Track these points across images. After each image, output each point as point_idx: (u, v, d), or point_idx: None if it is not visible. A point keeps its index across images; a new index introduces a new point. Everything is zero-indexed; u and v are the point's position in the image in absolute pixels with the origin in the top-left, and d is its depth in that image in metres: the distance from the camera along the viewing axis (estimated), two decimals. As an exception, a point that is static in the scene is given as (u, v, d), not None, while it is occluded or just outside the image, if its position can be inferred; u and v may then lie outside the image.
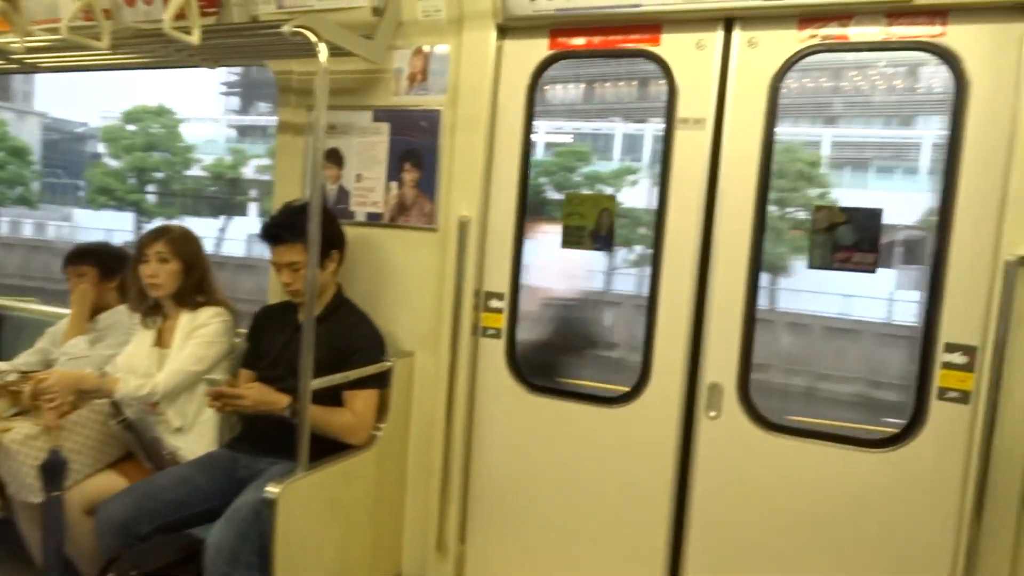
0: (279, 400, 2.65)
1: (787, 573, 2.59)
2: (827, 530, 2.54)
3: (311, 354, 2.45)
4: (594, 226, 2.88)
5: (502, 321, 2.96)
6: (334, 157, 3.19)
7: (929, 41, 2.39)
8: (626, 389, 2.82)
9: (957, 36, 2.37)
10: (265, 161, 24.66)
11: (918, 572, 2.43)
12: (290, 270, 2.82)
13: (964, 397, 2.37)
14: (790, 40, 2.54)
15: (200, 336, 3.03)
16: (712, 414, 2.68)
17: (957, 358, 2.38)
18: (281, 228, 2.83)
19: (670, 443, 2.75)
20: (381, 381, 2.87)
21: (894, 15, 2.42)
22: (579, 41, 2.83)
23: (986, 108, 2.33)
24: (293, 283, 2.83)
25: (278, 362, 2.85)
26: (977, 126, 2.34)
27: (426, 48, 3.00)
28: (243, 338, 3.10)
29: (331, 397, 2.69)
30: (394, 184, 3.07)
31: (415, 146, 3.01)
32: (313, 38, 2.43)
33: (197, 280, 3.10)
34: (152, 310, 3.16)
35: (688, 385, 2.73)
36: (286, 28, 2.41)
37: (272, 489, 2.43)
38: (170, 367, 2.97)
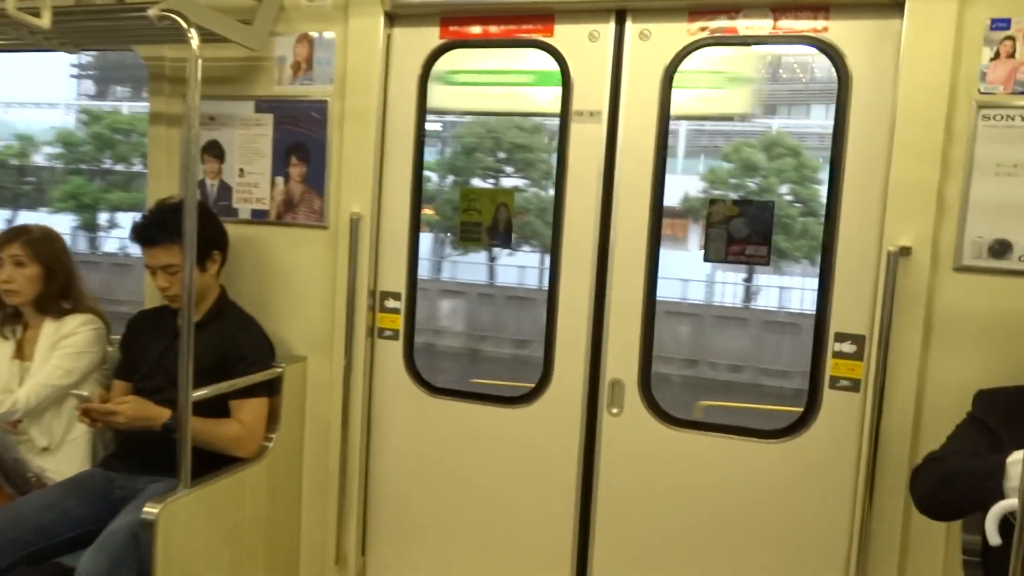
0: (158, 414, 2.57)
1: (693, 568, 2.67)
2: (731, 521, 2.64)
3: (191, 362, 2.34)
4: (491, 222, 2.91)
5: (399, 322, 2.97)
6: (214, 150, 3.11)
7: (813, 36, 2.52)
8: (529, 387, 2.82)
9: (839, 31, 2.50)
10: (55, 148, 22.43)
11: (817, 557, 2.53)
12: (166, 273, 2.73)
13: (855, 385, 2.50)
14: (680, 33, 2.63)
15: (67, 346, 2.86)
16: (614, 411, 2.73)
17: (847, 347, 2.49)
18: (153, 228, 2.71)
19: (573, 442, 2.81)
20: (271, 388, 2.83)
21: (779, 10, 2.54)
22: (472, 30, 2.85)
23: (867, 101, 2.47)
24: (170, 287, 2.73)
25: (156, 372, 2.77)
26: (859, 119, 2.48)
27: (311, 35, 2.95)
28: (116, 347, 2.98)
29: (216, 408, 2.64)
30: (280, 179, 3.03)
31: (301, 139, 2.97)
32: (183, 23, 2.30)
33: (61, 285, 2.92)
34: (10, 319, 2.95)
35: (590, 382, 2.80)
36: (152, 12, 2.30)
37: (150, 509, 2.32)
38: (33, 381, 2.80)
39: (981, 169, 2.35)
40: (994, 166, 2.34)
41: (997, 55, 2.33)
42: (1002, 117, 2.33)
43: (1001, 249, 2.34)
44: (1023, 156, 2.31)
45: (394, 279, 2.97)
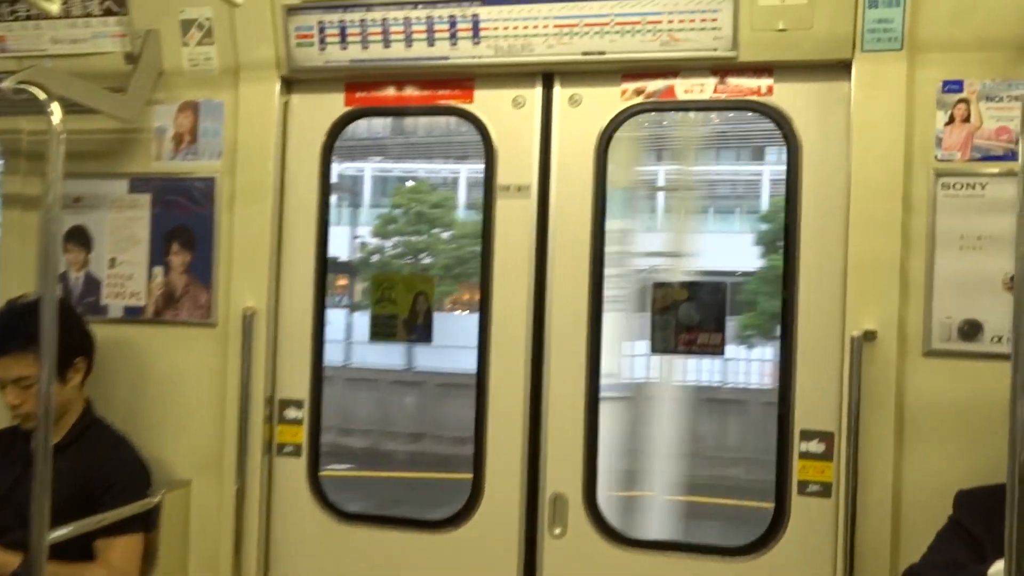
0: (3, 562, 2.38)
1: None
2: None
3: (47, 495, 2.08)
4: (408, 314, 2.82)
5: (301, 435, 2.81)
6: (79, 238, 2.97)
7: (756, 100, 2.54)
8: (456, 509, 2.66)
9: (784, 94, 2.52)
10: None
11: None
12: (17, 388, 2.59)
13: (825, 490, 2.44)
14: (614, 97, 2.63)
15: None
16: (557, 531, 2.58)
17: (814, 446, 2.44)
18: (1, 334, 2.48)
19: (510, 571, 2.64)
20: (146, 523, 2.65)
21: (720, 71, 2.55)
22: (381, 95, 2.82)
23: (819, 170, 2.48)
24: (22, 404, 2.59)
25: (4, 508, 2.58)
26: (812, 189, 2.48)
27: (196, 102, 2.88)
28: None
29: (79, 549, 2.47)
30: (159, 269, 2.91)
31: (185, 222, 2.88)
32: (42, 95, 2.14)
33: None
34: None
35: (528, 498, 2.65)
36: (7, 84, 2.21)
37: None
38: None
39: (944, 242, 2.36)
40: (958, 239, 2.35)
41: (952, 119, 2.36)
42: (962, 186, 2.35)
43: (971, 330, 2.33)
44: (987, 227, 2.33)
45: (295, 384, 2.82)
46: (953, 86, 2.35)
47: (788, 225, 2.49)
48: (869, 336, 2.31)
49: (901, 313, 2.33)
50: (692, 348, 2.54)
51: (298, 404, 2.81)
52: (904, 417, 2.33)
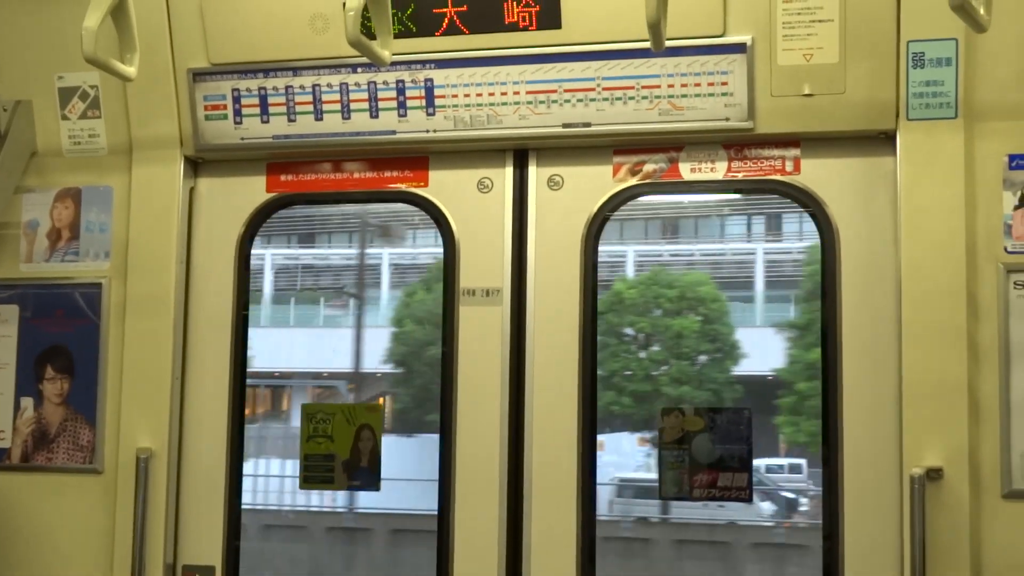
0: None
1: None
2: None
3: None
4: (349, 454, 2.78)
5: None
6: None
7: (780, 180, 2.56)
8: None
9: (814, 173, 2.54)
10: None
11: None
12: None
13: None
14: (604, 178, 2.65)
15: None
16: None
17: None
18: None
19: None
20: None
21: (734, 145, 2.59)
22: (312, 179, 2.84)
23: (861, 267, 2.49)
24: None
25: None
26: (853, 290, 2.49)
27: (77, 190, 2.89)
28: None
29: None
30: (29, 401, 2.88)
31: (62, 341, 2.86)
32: None
33: None
34: None
35: None
36: None
37: None
38: None
39: (1021, 355, 2.35)
40: None
41: (1022, 202, 2.38)
42: None
43: (1061, 465, 2.33)
44: (1072, 334, 2.35)
45: (205, 546, 2.77)
46: (1022, 161, 2.37)
47: (826, 334, 2.50)
48: (933, 475, 2.30)
49: (972, 445, 2.32)
50: (712, 492, 2.53)
51: (208, 572, 2.76)
52: (982, 574, 2.30)
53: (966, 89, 2.36)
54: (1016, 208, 2.37)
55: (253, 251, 2.85)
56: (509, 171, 2.69)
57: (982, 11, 2.03)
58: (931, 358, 2.34)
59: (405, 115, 2.63)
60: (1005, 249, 2.35)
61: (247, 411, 2.88)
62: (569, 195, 2.65)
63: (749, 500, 2.51)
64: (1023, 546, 2.30)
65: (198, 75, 2.71)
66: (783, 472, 13.03)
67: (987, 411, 2.33)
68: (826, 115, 2.46)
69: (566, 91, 2.54)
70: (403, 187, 2.76)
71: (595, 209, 2.64)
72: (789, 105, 2.47)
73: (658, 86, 2.50)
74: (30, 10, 2.83)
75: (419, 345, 12.05)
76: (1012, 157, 2.37)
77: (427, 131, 2.64)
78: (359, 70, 2.64)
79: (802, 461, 12.56)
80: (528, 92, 2.57)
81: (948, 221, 2.35)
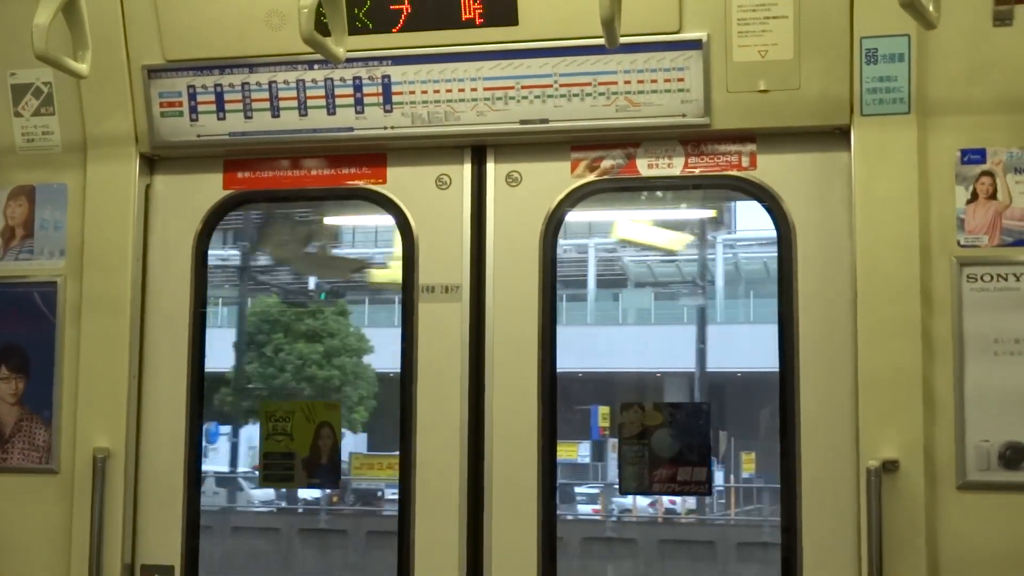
0: None
1: None
2: None
3: None
4: (309, 452, 2.77)
5: None
6: None
7: (737, 176, 2.57)
8: None
9: (770, 168, 2.55)
10: None
11: None
12: None
13: None
14: (562, 174, 2.66)
15: None
16: None
17: None
18: None
19: None
20: None
21: (691, 141, 2.59)
22: (269, 176, 2.83)
23: (817, 261, 2.50)
24: None
25: None
26: (809, 285, 2.50)
27: (31, 187, 2.87)
28: None
29: None
30: None
31: (16, 340, 2.85)
32: None
33: None
34: None
35: None
36: None
37: None
38: None
39: (975, 348, 2.37)
40: (991, 343, 2.37)
41: (974, 196, 2.40)
42: (992, 277, 2.38)
43: (1015, 456, 2.33)
44: (1026, 327, 2.37)
45: (164, 545, 2.76)
46: (974, 156, 2.40)
47: (783, 327, 2.51)
48: (889, 466, 2.31)
49: (927, 437, 2.33)
50: (671, 486, 2.54)
51: (167, 571, 2.74)
52: (938, 565, 2.32)
53: (919, 85, 2.37)
54: (968, 202, 2.38)
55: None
56: (467, 168, 2.69)
57: (931, 8, 2.04)
58: (886, 351, 2.36)
59: (362, 112, 2.63)
60: (958, 243, 2.37)
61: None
62: (527, 191, 2.66)
63: (708, 493, 2.52)
64: (978, 537, 2.32)
65: (153, 72, 2.70)
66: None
67: (942, 403, 2.35)
68: (781, 111, 2.47)
69: (523, 88, 2.55)
70: (361, 184, 2.75)
71: (553, 205, 2.64)
72: (745, 101, 2.48)
73: (615, 83, 2.51)
74: (-19, 6, 2.80)
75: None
76: (964, 152, 2.39)
77: (385, 128, 2.64)
78: (316, 67, 2.63)
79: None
80: (485, 89, 2.57)
81: (902, 215, 2.37)
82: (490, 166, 2.69)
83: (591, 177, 2.64)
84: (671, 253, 15.28)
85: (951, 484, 2.33)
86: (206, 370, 2.87)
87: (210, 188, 2.82)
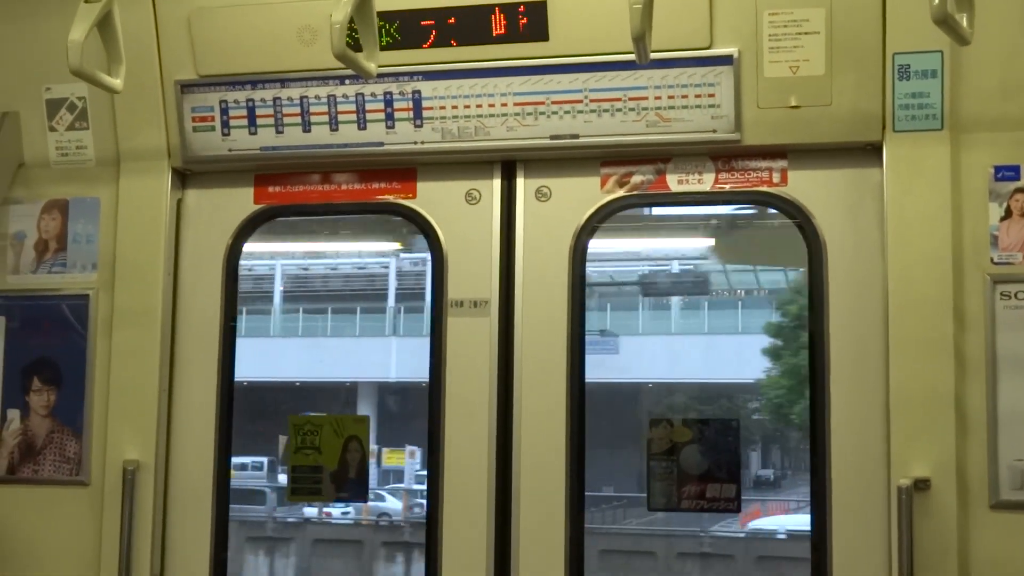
0: None
1: None
2: None
3: None
4: (337, 466, 2.77)
5: None
6: None
7: (767, 192, 2.57)
8: None
9: (801, 184, 2.55)
10: None
11: None
12: None
13: None
14: (592, 190, 2.66)
15: None
16: None
17: None
18: None
19: None
20: None
21: (721, 157, 2.59)
22: (300, 190, 2.85)
23: (849, 278, 2.49)
24: None
25: None
26: (841, 301, 2.49)
27: (65, 201, 2.89)
28: None
29: None
30: (15, 413, 2.87)
31: (48, 352, 2.86)
32: None
33: None
34: None
35: None
36: None
37: None
38: None
39: (1008, 365, 2.35)
40: None
41: (1008, 213, 2.38)
42: None
43: (1049, 476, 2.33)
44: (1060, 344, 2.34)
45: (192, 558, 2.76)
46: (1008, 172, 2.38)
47: (814, 345, 2.49)
48: (921, 485, 2.30)
49: (959, 456, 2.32)
50: (700, 503, 2.52)
51: None
52: None
53: (952, 101, 2.36)
54: (1002, 219, 2.37)
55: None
56: (497, 183, 2.70)
57: (965, 24, 2.03)
58: (918, 369, 2.34)
59: (393, 127, 2.64)
60: (991, 260, 2.35)
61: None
62: (557, 207, 2.66)
63: (737, 510, 2.51)
64: (1010, 556, 2.29)
65: (186, 87, 2.71)
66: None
67: (974, 421, 2.33)
68: (813, 127, 2.46)
69: (554, 103, 2.55)
70: (391, 199, 2.75)
71: (583, 221, 2.64)
72: (776, 117, 2.47)
73: (645, 98, 2.51)
74: (17, 22, 2.83)
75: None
76: (998, 168, 2.38)
77: (415, 143, 2.64)
78: (347, 82, 2.64)
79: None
80: (516, 104, 2.57)
81: (935, 232, 2.36)
82: (520, 181, 2.69)
83: (621, 192, 2.63)
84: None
85: (984, 503, 2.31)
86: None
87: (241, 202, 2.83)
